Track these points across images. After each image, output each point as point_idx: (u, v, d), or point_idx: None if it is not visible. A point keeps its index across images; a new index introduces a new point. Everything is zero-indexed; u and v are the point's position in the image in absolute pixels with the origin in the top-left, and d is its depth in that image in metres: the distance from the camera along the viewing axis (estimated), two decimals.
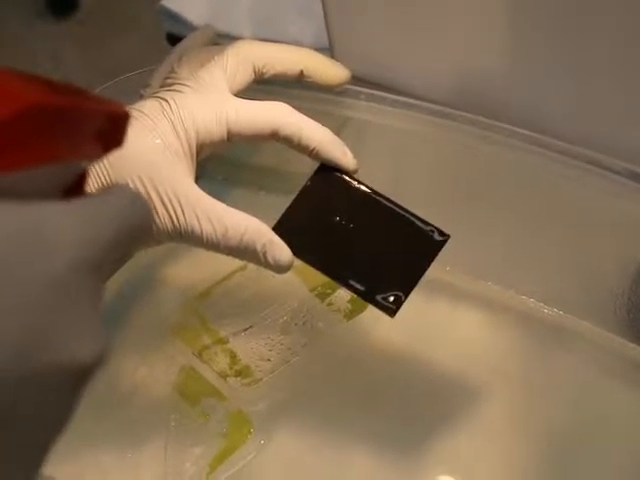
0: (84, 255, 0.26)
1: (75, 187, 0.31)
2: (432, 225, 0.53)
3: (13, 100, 0.25)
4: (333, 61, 0.59)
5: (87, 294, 0.27)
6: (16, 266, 0.24)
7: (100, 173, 0.49)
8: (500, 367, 0.62)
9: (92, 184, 0.49)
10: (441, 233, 0.53)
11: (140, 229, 0.31)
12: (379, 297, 0.52)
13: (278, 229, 0.52)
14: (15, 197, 0.25)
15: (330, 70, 0.58)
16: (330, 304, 0.63)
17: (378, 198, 0.53)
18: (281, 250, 0.51)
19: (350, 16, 0.66)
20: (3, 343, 0.24)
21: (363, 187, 0.54)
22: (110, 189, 0.31)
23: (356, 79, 0.60)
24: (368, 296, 0.52)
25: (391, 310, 0.52)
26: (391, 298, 0.52)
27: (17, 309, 0.24)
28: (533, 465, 0.57)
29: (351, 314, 0.63)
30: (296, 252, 0.51)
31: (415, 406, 0.60)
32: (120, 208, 0.30)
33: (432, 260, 0.52)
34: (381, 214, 0.53)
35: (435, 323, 0.64)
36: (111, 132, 0.31)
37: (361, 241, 0.53)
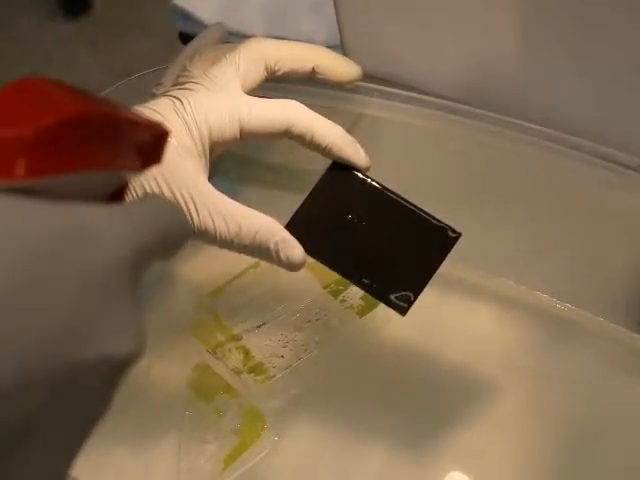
0: (124, 254, 0.28)
1: (116, 196, 0.32)
2: (444, 223, 0.53)
3: (59, 107, 0.27)
4: (345, 58, 0.59)
5: (126, 291, 0.28)
6: (61, 262, 0.25)
7: None
8: (513, 362, 0.62)
9: None
10: (453, 231, 0.53)
11: (178, 234, 0.32)
12: (390, 296, 0.52)
13: (291, 227, 0.52)
14: (59, 199, 0.26)
15: (342, 67, 0.58)
16: (343, 301, 0.63)
17: (390, 196, 0.53)
18: (293, 248, 0.51)
19: (361, 13, 0.66)
20: (48, 336, 0.25)
21: (375, 185, 0.54)
22: (150, 196, 0.32)
23: (368, 76, 0.61)
24: (379, 295, 0.52)
25: (402, 309, 0.52)
26: (402, 297, 0.52)
27: (61, 304, 0.25)
28: (547, 459, 0.57)
29: (364, 310, 0.63)
30: (309, 250, 0.52)
31: (428, 401, 0.60)
32: (159, 213, 0.31)
33: (444, 258, 0.52)
34: (393, 212, 0.53)
35: (448, 319, 0.64)
36: (150, 147, 0.32)
37: (373, 239, 0.53)
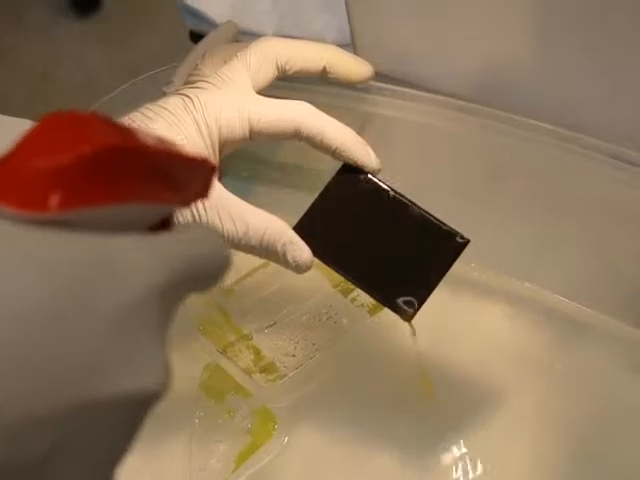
0: (153, 287, 0.27)
1: (162, 227, 0.31)
2: (452, 229, 0.53)
3: (98, 139, 0.26)
4: (356, 57, 0.59)
5: (153, 325, 0.27)
6: (86, 293, 0.25)
7: None
8: (525, 362, 0.62)
9: None
10: (461, 237, 0.52)
11: (215, 268, 0.32)
12: (396, 301, 0.52)
13: (299, 229, 0.52)
14: (94, 230, 0.26)
15: (353, 66, 0.58)
16: (353, 299, 0.63)
17: (400, 199, 0.53)
18: (301, 251, 0.51)
19: (372, 12, 0.66)
20: (69, 367, 0.24)
21: (385, 188, 0.54)
22: (186, 227, 0.32)
23: (379, 75, 0.60)
24: (385, 299, 0.52)
25: (408, 314, 0.52)
26: (408, 302, 0.52)
27: (84, 335, 0.25)
28: (560, 459, 0.57)
29: (375, 309, 0.63)
30: (316, 252, 0.51)
31: (440, 401, 0.60)
32: (194, 246, 0.30)
33: (452, 264, 0.52)
34: (402, 216, 0.53)
35: (459, 318, 0.64)
36: (195, 181, 0.32)
37: (381, 243, 0.53)
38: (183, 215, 0.49)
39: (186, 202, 0.32)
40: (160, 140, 0.30)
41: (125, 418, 0.27)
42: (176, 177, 0.30)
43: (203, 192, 0.32)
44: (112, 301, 0.25)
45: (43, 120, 0.27)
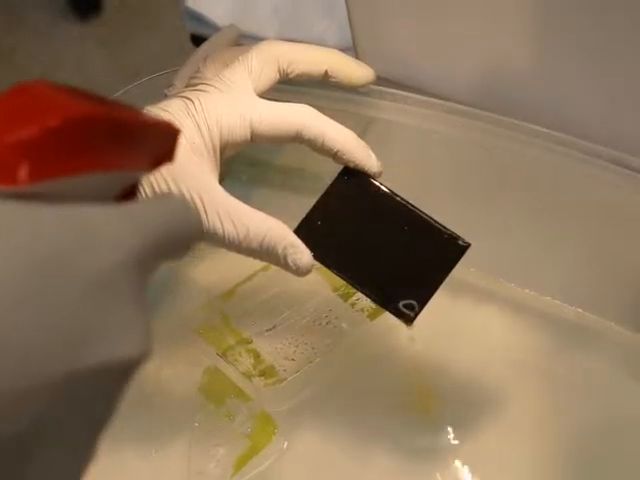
0: (125, 255, 0.27)
1: (126, 196, 0.32)
2: (453, 233, 0.52)
3: (63, 109, 0.26)
4: (358, 61, 0.59)
5: (130, 292, 0.27)
6: (63, 265, 0.25)
7: None
8: (524, 367, 0.61)
9: None
10: (462, 241, 0.52)
11: (188, 235, 0.32)
12: (397, 304, 0.52)
13: (299, 231, 0.52)
14: (65, 201, 0.26)
15: (355, 70, 0.58)
16: (353, 304, 0.63)
17: (401, 203, 0.53)
18: (302, 253, 0.51)
19: (373, 16, 0.66)
20: (51, 340, 0.24)
21: (386, 191, 0.53)
22: (160, 195, 0.32)
23: (380, 79, 0.60)
24: (386, 303, 0.52)
25: (408, 318, 0.52)
26: (409, 306, 0.51)
27: (64, 306, 0.25)
28: (559, 465, 0.57)
29: (374, 314, 0.62)
30: (317, 255, 0.51)
31: (439, 406, 0.60)
32: (168, 213, 0.30)
33: (452, 268, 0.52)
34: (403, 220, 0.53)
35: (459, 323, 0.64)
36: (161, 147, 0.32)
37: (382, 246, 0.53)
38: None
39: (152, 167, 0.32)
40: (123, 106, 0.30)
41: (108, 386, 0.27)
42: (142, 142, 0.30)
43: (169, 156, 0.33)
44: (88, 271, 0.26)
45: (7, 93, 0.27)
